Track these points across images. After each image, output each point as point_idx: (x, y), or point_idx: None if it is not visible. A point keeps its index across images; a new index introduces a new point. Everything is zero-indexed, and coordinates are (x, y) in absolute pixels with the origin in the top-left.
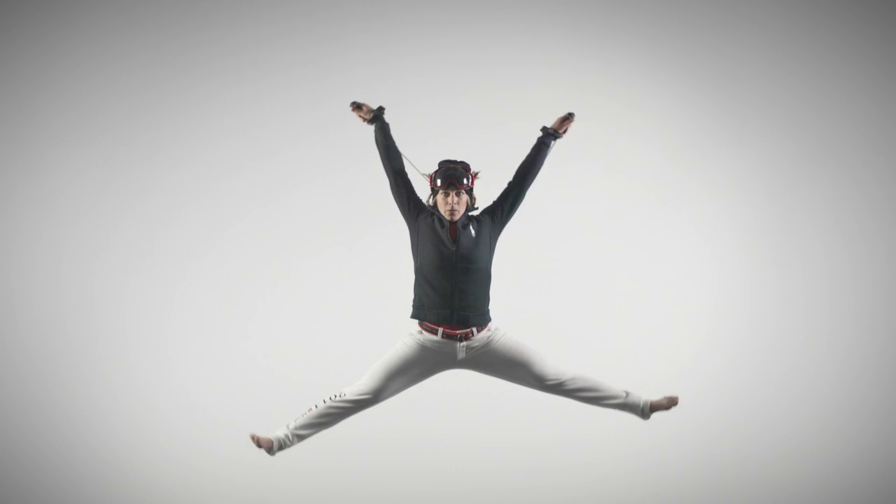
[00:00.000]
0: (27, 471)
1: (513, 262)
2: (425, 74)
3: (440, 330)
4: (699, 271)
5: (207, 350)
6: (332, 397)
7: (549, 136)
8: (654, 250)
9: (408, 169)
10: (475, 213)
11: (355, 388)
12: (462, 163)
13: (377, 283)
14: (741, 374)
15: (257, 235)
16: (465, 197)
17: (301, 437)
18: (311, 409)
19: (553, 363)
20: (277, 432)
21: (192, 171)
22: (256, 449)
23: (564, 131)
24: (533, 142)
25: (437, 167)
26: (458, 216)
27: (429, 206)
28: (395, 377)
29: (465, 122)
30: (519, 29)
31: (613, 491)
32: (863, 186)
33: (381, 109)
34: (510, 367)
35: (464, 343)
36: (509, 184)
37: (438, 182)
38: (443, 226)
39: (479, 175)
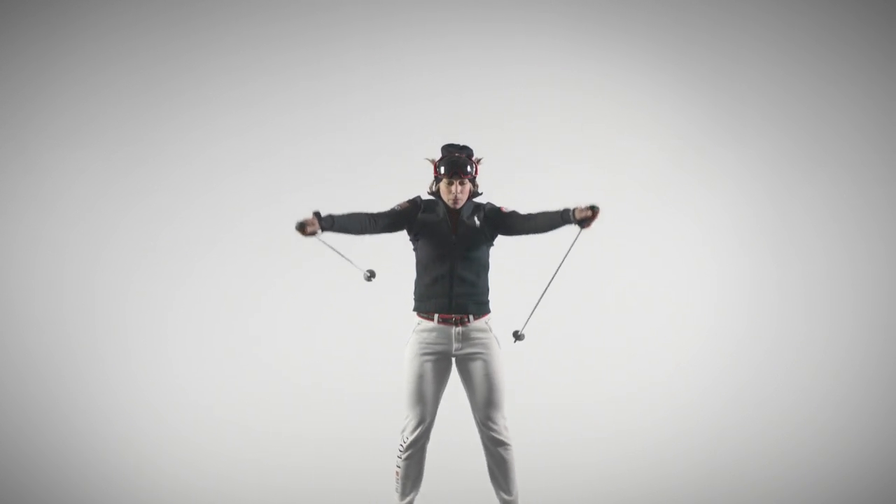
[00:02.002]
0: (27, 471)
1: (512, 261)
2: (425, 74)
3: (436, 315)
4: (699, 271)
5: (208, 350)
6: (401, 449)
7: (569, 221)
8: (654, 250)
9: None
10: (479, 198)
11: (406, 427)
12: (466, 149)
13: (379, 283)
14: (741, 374)
15: (259, 235)
16: (468, 185)
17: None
18: (397, 474)
19: (507, 419)
20: None
21: (193, 171)
22: None
23: (585, 221)
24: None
25: (440, 153)
26: (461, 204)
27: (430, 191)
28: (422, 394)
29: (465, 122)
30: (518, 29)
31: (613, 491)
32: (862, 186)
33: (317, 215)
34: (480, 385)
35: (459, 328)
36: (516, 218)
37: (442, 170)
38: (440, 216)
39: (482, 161)
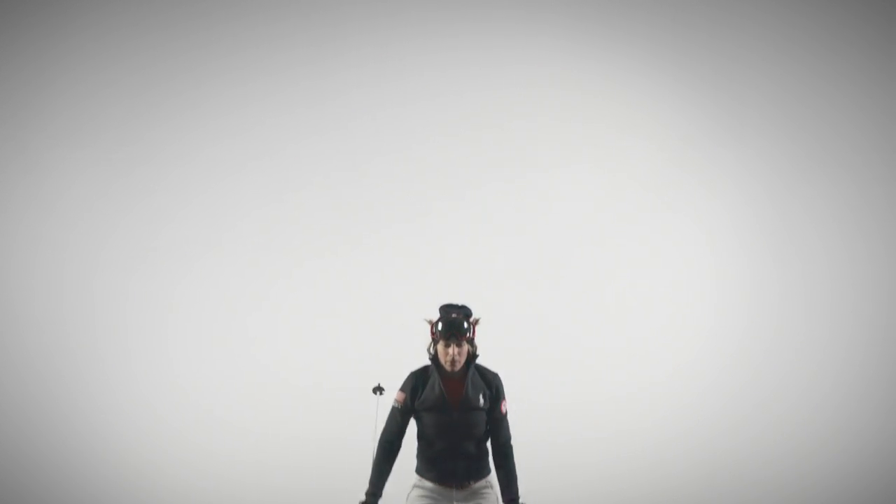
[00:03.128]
0: (27, 471)
1: (513, 262)
2: (427, 74)
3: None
4: (699, 271)
5: (208, 350)
6: None
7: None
8: (654, 250)
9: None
10: (478, 359)
11: None
12: (463, 309)
13: (379, 284)
14: (741, 374)
15: (259, 235)
16: (465, 347)
17: None
18: None
19: None
20: None
21: (193, 170)
22: None
23: None
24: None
25: (438, 313)
26: (458, 367)
27: (430, 354)
28: None
29: (465, 122)
30: (519, 29)
31: (613, 491)
32: (862, 186)
33: (366, 497)
34: None
35: (461, 492)
36: (496, 428)
37: (439, 329)
38: (437, 391)
39: (479, 322)
